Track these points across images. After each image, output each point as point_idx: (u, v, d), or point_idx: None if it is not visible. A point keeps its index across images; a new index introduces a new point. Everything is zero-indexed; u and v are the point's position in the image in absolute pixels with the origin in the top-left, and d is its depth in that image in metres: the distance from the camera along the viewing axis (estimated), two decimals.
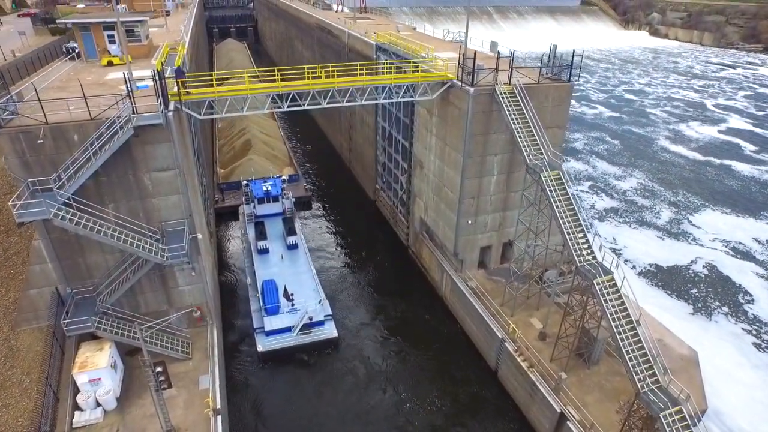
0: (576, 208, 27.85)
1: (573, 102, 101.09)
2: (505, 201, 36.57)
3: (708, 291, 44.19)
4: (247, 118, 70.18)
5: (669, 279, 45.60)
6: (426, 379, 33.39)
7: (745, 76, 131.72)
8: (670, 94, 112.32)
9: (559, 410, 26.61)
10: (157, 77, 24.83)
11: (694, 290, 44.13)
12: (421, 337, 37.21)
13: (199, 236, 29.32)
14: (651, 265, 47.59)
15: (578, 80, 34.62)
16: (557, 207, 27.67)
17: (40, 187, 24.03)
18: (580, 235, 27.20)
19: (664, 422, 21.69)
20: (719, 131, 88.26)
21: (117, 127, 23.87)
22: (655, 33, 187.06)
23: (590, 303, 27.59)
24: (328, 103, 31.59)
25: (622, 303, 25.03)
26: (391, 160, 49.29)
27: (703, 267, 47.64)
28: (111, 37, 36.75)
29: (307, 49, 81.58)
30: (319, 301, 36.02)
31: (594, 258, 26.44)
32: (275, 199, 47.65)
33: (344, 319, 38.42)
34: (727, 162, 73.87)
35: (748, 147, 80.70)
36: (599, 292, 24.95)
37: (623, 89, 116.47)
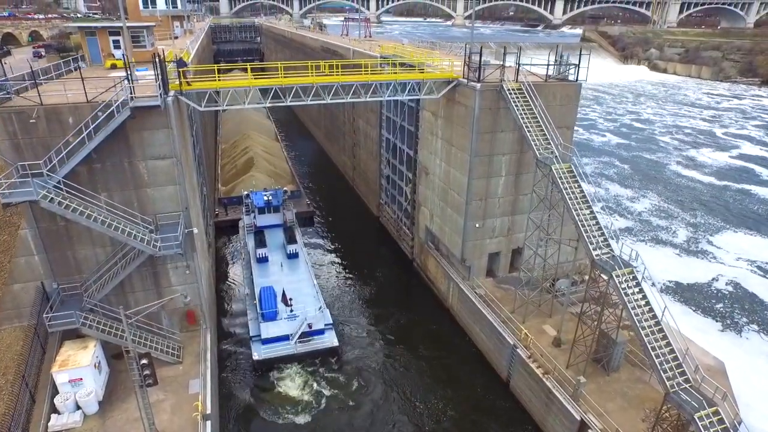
0: (590, 201, 26.42)
1: (580, 129, 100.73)
2: (514, 204, 35.15)
3: (734, 307, 41.63)
4: (250, 137, 70.14)
5: (691, 295, 43.07)
6: (432, 391, 31.01)
7: (752, 107, 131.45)
8: (678, 123, 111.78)
9: (579, 418, 24.18)
10: (157, 61, 24.29)
11: (719, 305, 41.62)
12: (426, 348, 34.95)
13: (195, 230, 28.05)
14: (671, 281, 45.12)
15: (583, 83, 33.78)
16: (570, 199, 26.25)
17: (30, 171, 22.99)
18: (596, 227, 25.67)
19: (699, 424, 19.34)
20: (732, 157, 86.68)
21: (113, 109, 23.14)
22: (654, 68, 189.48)
23: (608, 301, 25.67)
24: (331, 99, 30.94)
25: (644, 297, 23.12)
26: (395, 172, 48.36)
27: (727, 284, 45.13)
28: (116, 42, 36.92)
29: None
30: (320, 308, 34.09)
31: (611, 250, 24.77)
32: (276, 209, 46.31)
33: (346, 330, 36.40)
34: (746, 186, 71.73)
35: (765, 172, 79.06)
36: (619, 286, 23.12)
37: (630, 118, 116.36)
